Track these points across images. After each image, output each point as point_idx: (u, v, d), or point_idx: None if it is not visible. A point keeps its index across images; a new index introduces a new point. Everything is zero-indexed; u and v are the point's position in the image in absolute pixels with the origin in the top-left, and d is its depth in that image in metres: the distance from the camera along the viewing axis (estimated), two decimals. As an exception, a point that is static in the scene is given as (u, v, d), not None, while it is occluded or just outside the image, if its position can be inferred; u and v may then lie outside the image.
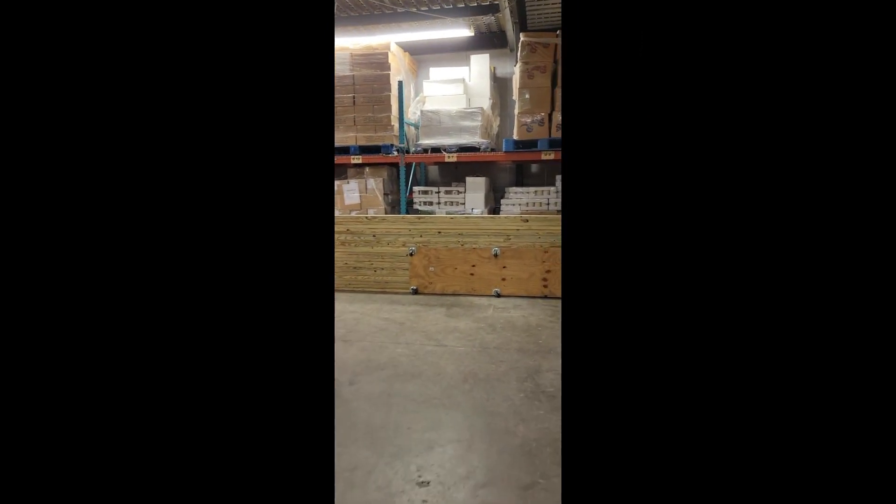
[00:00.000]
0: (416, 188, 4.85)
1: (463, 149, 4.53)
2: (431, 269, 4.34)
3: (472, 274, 4.26)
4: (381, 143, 4.71)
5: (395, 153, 4.64)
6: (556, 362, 2.59)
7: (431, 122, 4.52)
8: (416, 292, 4.36)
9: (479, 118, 4.48)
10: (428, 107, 4.67)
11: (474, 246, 4.23)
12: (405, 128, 4.66)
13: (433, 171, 5.95)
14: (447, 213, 4.79)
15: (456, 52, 5.44)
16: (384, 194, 4.83)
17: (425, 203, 4.83)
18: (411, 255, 4.34)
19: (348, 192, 4.85)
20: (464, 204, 4.70)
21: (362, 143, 4.79)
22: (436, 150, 4.54)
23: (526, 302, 3.98)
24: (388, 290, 4.45)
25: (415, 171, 5.51)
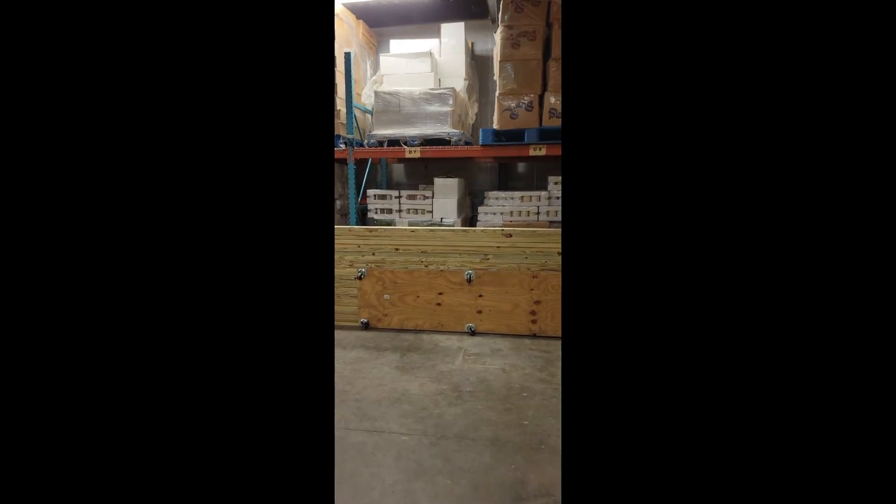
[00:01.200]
0: (371, 192, 3.82)
1: (429, 141, 3.52)
2: (386, 296, 3.34)
3: (438, 304, 3.26)
4: None
5: (343, 146, 3.63)
6: (553, 472, 1.62)
7: (389, 106, 3.51)
8: (366, 326, 3.36)
9: (451, 102, 3.49)
10: (385, 87, 3.67)
11: (442, 268, 3.24)
12: (354, 114, 3.64)
13: (398, 170, 4.93)
14: (409, 223, 3.79)
15: (424, 23, 4.44)
16: None
17: (382, 211, 3.82)
18: (360, 278, 3.33)
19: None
20: (431, 212, 3.70)
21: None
22: (394, 142, 3.54)
23: (508, 344, 3.00)
24: None
25: (371, 170, 4.47)
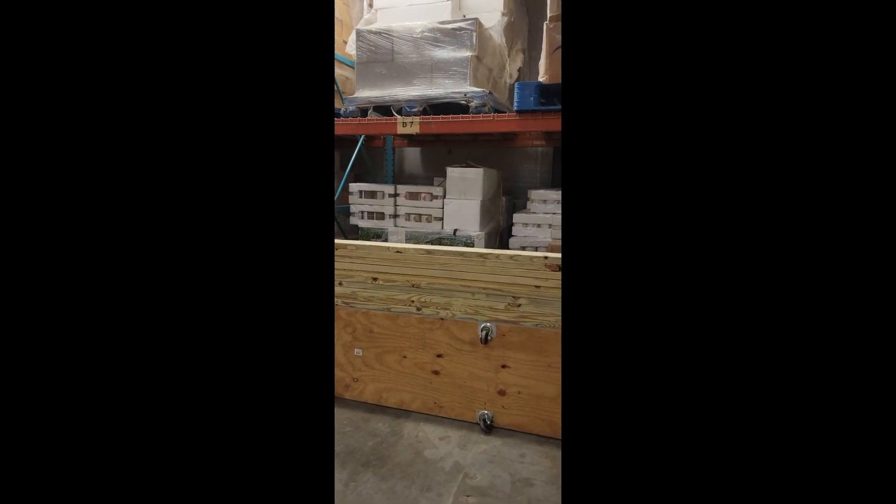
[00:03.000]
0: (354, 187, 2.60)
1: (434, 106, 2.22)
2: (357, 352, 2.14)
3: (435, 373, 2.03)
4: None
5: (309, 115, 2.48)
6: None
7: (377, 53, 2.25)
8: (327, 395, 2.17)
9: (472, 43, 2.15)
10: (375, 25, 2.39)
11: (443, 314, 2.00)
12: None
13: (412, 158, 3.65)
14: (408, 236, 2.54)
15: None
16: None
17: (371, 215, 2.60)
18: (319, 321, 2.12)
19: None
20: (441, 220, 2.43)
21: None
22: (382, 108, 2.29)
23: (547, 461, 1.72)
24: None
25: (357, 155, 3.22)
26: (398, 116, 2.18)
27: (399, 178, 3.61)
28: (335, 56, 2.65)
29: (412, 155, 3.80)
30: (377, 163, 3.53)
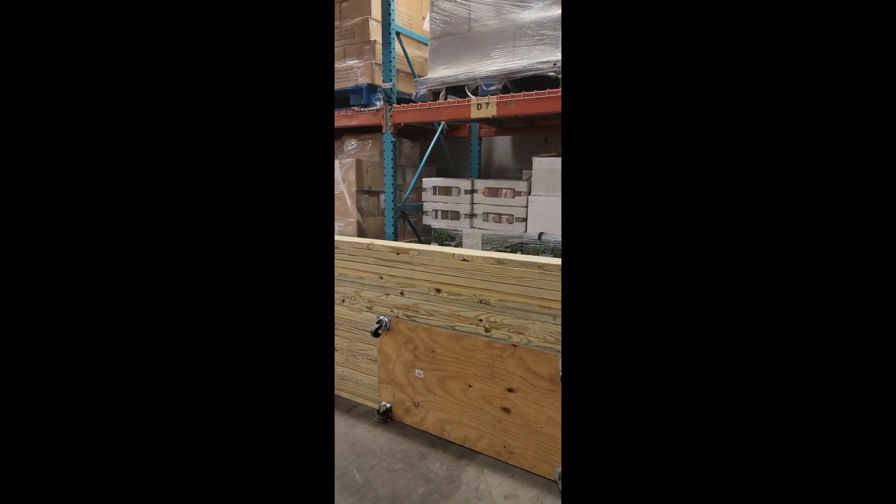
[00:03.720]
0: (428, 182, 2.30)
1: (516, 82, 1.81)
2: (419, 373, 1.87)
3: (506, 411, 1.66)
4: (345, 86, 2.27)
5: (378, 104, 2.19)
6: None
7: (451, 23, 1.91)
8: (386, 417, 1.96)
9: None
10: (453, -5, 2.05)
11: (516, 340, 1.62)
12: (394, 48, 2.10)
13: (502, 148, 3.23)
14: (484, 239, 2.18)
15: None
16: (360, 192, 2.40)
17: (446, 215, 2.28)
18: (379, 332, 1.91)
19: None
20: (525, 220, 2.02)
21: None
22: (456, 89, 1.95)
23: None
24: (340, 392, 2.13)
25: (435, 147, 2.92)
26: (472, 98, 1.82)
27: (487, 172, 3.24)
28: (411, 34, 2.38)
29: (502, 146, 3.40)
30: (462, 155, 3.21)
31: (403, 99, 2.19)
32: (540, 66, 1.74)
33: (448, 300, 1.76)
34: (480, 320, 1.67)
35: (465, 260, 1.68)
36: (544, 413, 1.55)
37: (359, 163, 2.28)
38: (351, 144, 2.55)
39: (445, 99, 1.93)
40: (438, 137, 2.49)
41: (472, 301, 1.70)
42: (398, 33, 2.23)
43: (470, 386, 1.71)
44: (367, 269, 1.97)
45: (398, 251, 1.87)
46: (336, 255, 2.04)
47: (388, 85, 2.08)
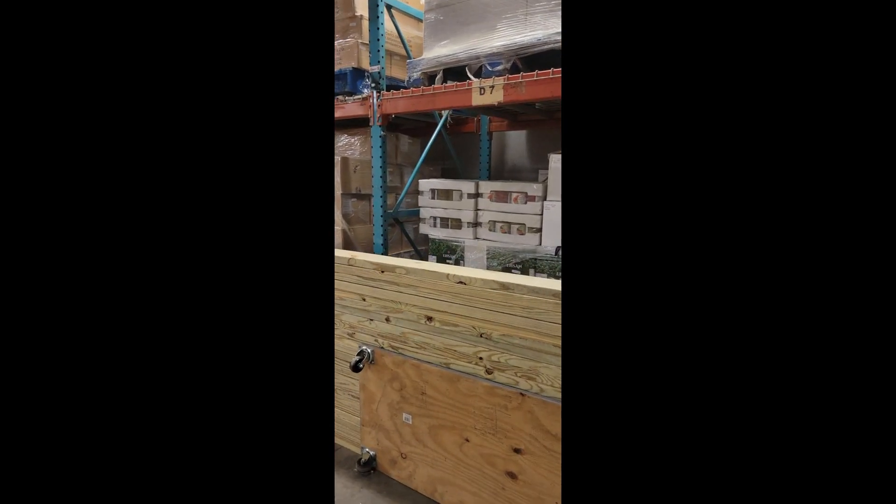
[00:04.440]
0: (425, 184, 1.95)
1: (528, 60, 1.46)
2: (406, 417, 1.54)
3: (511, 476, 1.30)
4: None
5: (366, 91, 1.86)
6: None
7: (451, -4, 1.57)
8: (369, 468, 1.64)
9: None
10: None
11: (523, 386, 1.27)
12: (383, 25, 1.76)
13: (516, 145, 2.85)
14: (490, 253, 1.83)
15: None
16: (347, 195, 2.06)
17: (446, 223, 1.93)
18: (359, 366, 1.59)
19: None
20: (539, 230, 1.66)
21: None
22: (455, 71, 1.61)
23: None
24: None
25: (434, 144, 2.57)
26: (474, 80, 1.49)
27: (499, 173, 2.87)
28: (405, 7, 2.04)
29: (516, 142, 3.03)
30: (471, 154, 2.86)
31: (397, 86, 1.86)
32: (558, 39, 1.40)
33: (441, 331, 1.42)
34: (480, 359, 1.33)
35: (461, 283, 1.34)
36: (557, 481, 1.19)
37: (345, 161, 1.96)
38: (340, 140, 2.24)
39: (444, 83, 1.60)
40: (440, 132, 2.16)
41: (470, 334, 1.36)
42: (388, 6, 1.90)
43: (467, 440, 1.37)
44: (348, 288, 1.65)
45: (382, 268, 1.54)
46: (313, 271, 1.73)
47: (375, 68, 1.75)
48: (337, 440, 1.78)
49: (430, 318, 1.44)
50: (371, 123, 1.78)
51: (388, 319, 1.56)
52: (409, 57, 2.08)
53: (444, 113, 2.19)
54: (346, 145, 2.25)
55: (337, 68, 1.95)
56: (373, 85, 1.77)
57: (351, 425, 1.73)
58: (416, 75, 1.68)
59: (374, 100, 1.76)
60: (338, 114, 1.91)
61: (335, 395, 1.76)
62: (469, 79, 1.55)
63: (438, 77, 1.64)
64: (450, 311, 1.39)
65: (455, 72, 1.63)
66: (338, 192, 1.99)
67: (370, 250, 2.06)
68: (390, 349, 1.56)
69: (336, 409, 1.77)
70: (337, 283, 1.69)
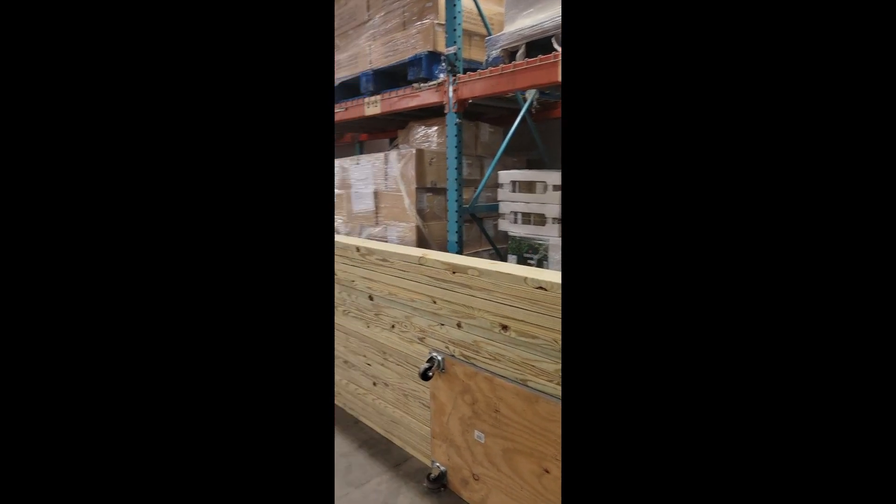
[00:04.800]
0: (505, 175, 1.75)
1: None
2: (478, 436, 1.38)
3: (598, 524, 1.05)
4: (402, 59, 1.81)
5: (441, 76, 1.71)
6: None
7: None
8: (439, 485, 1.52)
9: None
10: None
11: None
12: (459, 4, 1.58)
13: None
14: None
15: None
16: (422, 190, 1.94)
17: (528, 219, 1.71)
18: (428, 376, 1.47)
19: (358, 190, 2.15)
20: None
21: (380, 64, 1.96)
22: (539, 45, 1.39)
23: None
24: (391, 438, 1.76)
25: (516, 132, 2.33)
26: (558, 47, 1.26)
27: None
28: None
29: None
30: (560, 143, 2.61)
31: (475, 69, 1.70)
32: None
33: (518, 342, 1.24)
34: (564, 379, 1.13)
35: (541, 288, 1.15)
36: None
37: (419, 153, 1.85)
38: (418, 132, 2.14)
39: (525, 59, 1.40)
40: (524, 118, 1.95)
41: (551, 349, 1.16)
42: (468, -19, 1.75)
43: (546, 472, 1.17)
44: (417, 289, 1.54)
45: (454, 269, 1.39)
46: (385, 270, 1.64)
47: (451, 49, 1.60)
48: (408, 449, 1.68)
49: (504, 327, 1.27)
50: (446, 111, 1.64)
51: (459, 325, 1.41)
52: (489, 34, 1.90)
53: (529, 96, 1.98)
54: (422, 137, 2.14)
55: (412, 53, 1.84)
56: (448, 68, 1.63)
57: (422, 435, 1.62)
58: (495, 53, 1.50)
59: (450, 84, 1.62)
60: (412, 103, 1.80)
61: (407, 402, 1.66)
62: (555, 49, 1.34)
63: (520, 53, 1.44)
64: (528, 320, 1.21)
65: (540, 45, 1.42)
66: (411, 186, 1.89)
67: (446, 249, 1.93)
68: (462, 358, 1.41)
69: (406, 417, 1.68)
70: (407, 283, 1.58)
